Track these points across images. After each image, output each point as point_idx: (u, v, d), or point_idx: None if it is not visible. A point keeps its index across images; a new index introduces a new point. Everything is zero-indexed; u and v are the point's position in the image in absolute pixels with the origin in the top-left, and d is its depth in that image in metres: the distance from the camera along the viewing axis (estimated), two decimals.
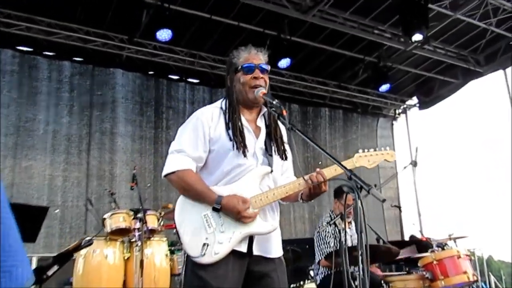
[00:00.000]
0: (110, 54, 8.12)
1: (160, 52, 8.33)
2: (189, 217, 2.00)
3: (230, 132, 2.11)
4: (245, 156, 2.09)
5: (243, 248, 2.00)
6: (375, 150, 2.22)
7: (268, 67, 2.24)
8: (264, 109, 2.24)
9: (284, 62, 8.41)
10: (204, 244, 1.93)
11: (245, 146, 2.09)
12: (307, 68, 9.64)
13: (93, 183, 7.58)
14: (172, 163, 2.08)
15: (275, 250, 2.11)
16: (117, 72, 8.33)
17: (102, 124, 7.95)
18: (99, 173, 7.67)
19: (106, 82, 8.22)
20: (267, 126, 2.23)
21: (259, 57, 2.24)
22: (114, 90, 8.25)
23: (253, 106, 2.21)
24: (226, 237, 1.96)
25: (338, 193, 4.43)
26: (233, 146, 2.05)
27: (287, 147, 2.20)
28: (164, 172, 2.09)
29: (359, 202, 1.64)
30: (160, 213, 4.95)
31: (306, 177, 2.05)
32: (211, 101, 10.57)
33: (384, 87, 9.53)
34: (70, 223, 7.28)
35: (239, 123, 2.15)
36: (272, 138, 2.19)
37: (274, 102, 2.04)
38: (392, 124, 11.60)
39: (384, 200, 1.65)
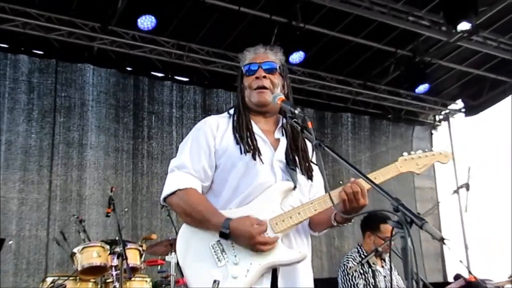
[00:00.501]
0: (78, 46, 8.20)
1: (140, 43, 8.44)
2: (195, 249, 1.99)
3: (237, 136, 2.21)
4: (259, 162, 2.12)
5: (266, 284, 1.95)
6: (424, 151, 2.25)
7: (277, 65, 2.32)
8: (283, 120, 2.34)
9: (296, 57, 8.51)
10: (214, 282, 1.86)
11: (258, 153, 2.15)
12: (324, 63, 9.71)
13: (56, 207, 7.58)
14: (172, 182, 2.14)
15: (307, 285, 2.07)
16: (87, 68, 8.43)
17: (68, 134, 8.01)
18: (64, 194, 7.69)
19: (73, 80, 8.30)
20: (288, 139, 2.29)
21: (267, 56, 2.34)
22: (83, 91, 8.35)
23: (266, 113, 2.33)
24: (241, 270, 1.92)
25: (372, 223, 4.24)
26: (241, 150, 2.13)
27: (315, 168, 2.21)
28: (163, 195, 2.15)
29: (409, 240, 1.55)
30: (142, 246, 5.01)
31: (337, 190, 2.05)
32: (204, 105, 10.52)
33: (422, 88, 9.63)
34: (27, 257, 7.21)
35: (249, 127, 2.23)
36: (295, 153, 2.25)
37: (296, 111, 2.05)
38: (431, 134, 11.64)
39: (442, 239, 1.56)
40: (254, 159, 2.13)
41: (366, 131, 10.94)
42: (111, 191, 4.85)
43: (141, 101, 8.80)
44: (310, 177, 2.25)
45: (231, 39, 8.83)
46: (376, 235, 4.19)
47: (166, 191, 2.13)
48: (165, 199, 2.15)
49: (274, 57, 2.34)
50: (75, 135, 8.08)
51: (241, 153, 2.15)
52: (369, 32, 8.93)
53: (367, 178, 1.88)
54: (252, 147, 2.16)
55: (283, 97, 2.21)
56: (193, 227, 2.06)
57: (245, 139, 2.18)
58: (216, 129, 2.22)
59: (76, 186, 7.83)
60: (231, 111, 2.33)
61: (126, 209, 7.63)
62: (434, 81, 10.31)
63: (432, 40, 9.10)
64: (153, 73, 9.06)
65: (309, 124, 1.98)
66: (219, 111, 9.26)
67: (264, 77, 2.26)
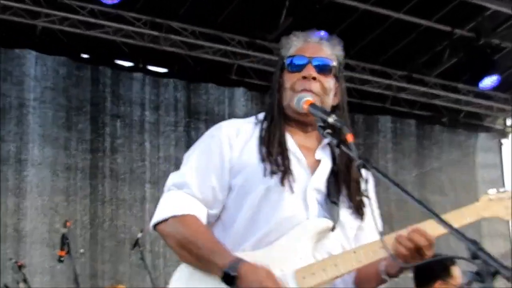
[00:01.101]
0: (16, 25, 8.19)
1: (101, 21, 8.47)
2: None
3: (264, 151, 2.24)
4: (288, 188, 2.19)
5: None
6: None
7: (332, 63, 2.38)
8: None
9: None
10: None
11: (290, 176, 2.21)
12: (353, 48, 9.77)
13: None
14: (166, 206, 2.23)
15: None
16: (27, 55, 8.41)
17: (0, 145, 7.96)
18: None
19: (7, 72, 8.27)
20: (334, 162, 2.34)
21: (321, 48, 2.41)
22: (21, 87, 8.32)
23: (308, 125, 2.36)
24: None
25: (442, 268, 4.22)
26: (265, 171, 2.22)
27: (370, 201, 2.20)
28: (153, 220, 2.24)
29: None
30: None
31: (391, 236, 2.09)
32: (188, 105, 10.76)
33: (488, 82, 9.56)
34: None
35: (283, 140, 2.28)
36: (342, 181, 2.29)
37: (329, 119, 2.11)
38: (501, 144, 11.68)
39: None
40: (282, 184, 2.16)
41: (411, 140, 10.91)
42: (65, 226, 4.80)
43: (102, 100, 8.78)
44: (360, 215, 2.28)
45: (225, 15, 8.85)
46: (448, 282, 4.16)
47: (158, 216, 2.22)
48: (155, 226, 2.23)
49: (330, 51, 2.41)
50: (10, 147, 8.04)
51: (264, 174, 2.18)
52: (415, 5, 8.91)
53: (441, 220, 1.81)
54: (282, 168, 2.19)
55: (311, 99, 2.27)
56: (192, 269, 2.14)
57: (274, 156, 2.21)
58: (235, 136, 2.30)
59: (13, 218, 7.79)
60: (261, 116, 2.38)
61: (82, 251, 7.59)
62: (505, 71, 10.28)
63: (502, 15, 9.09)
64: (118, 61, 9.07)
65: (349, 137, 2.01)
66: (208, 114, 9.46)
67: (314, 78, 2.33)
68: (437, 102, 10.94)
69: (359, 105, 10.59)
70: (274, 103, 2.37)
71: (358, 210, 2.27)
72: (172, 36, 8.89)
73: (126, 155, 8.76)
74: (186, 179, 2.24)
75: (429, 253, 2.07)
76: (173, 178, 2.30)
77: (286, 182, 2.18)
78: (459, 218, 2.24)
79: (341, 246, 2.22)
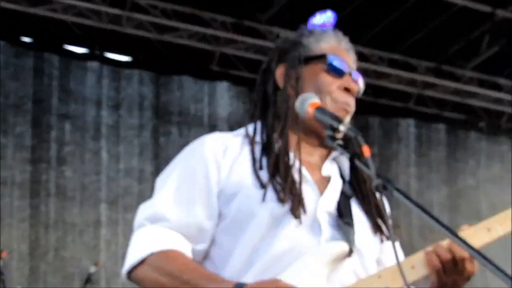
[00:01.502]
0: None
1: None
2: None
3: (263, 173, 2.31)
4: (296, 219, 2.25)
5: None
6: None
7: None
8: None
9: (320, 20, 8.71)
10: None
11: (302, 204, 2.31)
12: (368, 33, 9.81)
13: None
14: (140, 246, 2.30)
15: None
16: None
17: None
18: None
19: None
20: (343, 178, 2.48)
21: (351, 59, 2.58)
22: None
23: (312, 133, 2.44)
24: None
25: None
26: (264, 196, 2.28)
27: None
28: (126, 266, 2.27)
29: None
30: None
31: (417, 255, 2.20)
32: (156, 103, 10.90)
33: None
34: None
35: (296, 164, 2.37)
36: (360, 200, 2.44)
37: (340, 127, 2.20)
38: None
39: None
40: (296, 215, 2.26)
41: (440, 150, 11.04)
42: None
43: (47, 96, 8.85)
44: (380, 238, 2.40)
45: None
46: None
47: (131, 259, 2.28)
48: (129, 273, 2.27)
49: (355, 64, 2.63)
50: None
51: (264, 199, 2.26)
52: None
53: (478, 253, 1.86)
54: (290, 193, 2.28)
55: (317, 101, 2.37)
56: None
57: (277, 177, 2.30)
58: (222, 154, 2.39)
59: None
60: (250, 129, 2.46)
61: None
62: None
63: None
64: (68, 47, 9.19)
65: (365, 150, 2.08)
66: (182, 115, 9.52)
67: (353, 89, 2.50)
68: (473, 102, 11.00)
69: (374, 105, 10.64)
70: (281, 110, 2.47)
71: (378, 232, 2.40)
72: (137, 16, 8.92)
73: (76, 167, 8.83)
74: (163, 210, 2.32)
75: (471, 269, 2.18)
76: (146, 210, 2.35)
77: (298, 200, 2.28)
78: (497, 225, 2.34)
79: (362, 271, 2.32)
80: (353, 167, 2.46)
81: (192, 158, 2.40)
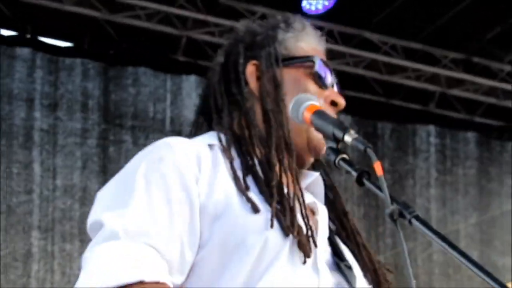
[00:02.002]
0: None
1: None
2: None
3: (252, 195, 2.31)
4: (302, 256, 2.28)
5: None
6: None
7: None
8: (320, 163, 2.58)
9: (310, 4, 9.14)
10: None
11: (312, 237, 2.35)
12: (376, 15, 9.90)
13: None
14: (122, 264, 2.19)
15: None
16: None
17: None
18: None
19: None
20: (329, 201, 2.57)
21: (329, 64, 2.67)
22: None
23: (296, 147, 2.48)
24: None
25: None
26: (265, 223, 2.30)
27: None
28: (95, 284, 2.19)
29: None
30: None
31: None
32: (106, 100, 10.66)
33: None
34: None
35: (297, 190, 2.39)
36: (343, 234, 2.51)
37: (346, 137, 2.25)
38: None
39: None
40: (305, 251, 2.29)
41: (469, 166, 11.14)
42: None
43: None
44: (378, 280, 2.47)
45: None
46: None
47: (108, 280, 2.16)
48: None
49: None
50: None
51: (266, 227, 2.29)
52: None
53: None
54: (300, 227, 2.31)
55: (317, 103, 2.46)
56: None
57: (281, 205, 2.31)
58: (196, 163, 2.40)
59: None
60: (213, 139, 2.49)
61: None
62: None
63: None
64: None
65: (378, 168, 2.15)
66: (139, 117, 9.58)
67: (336, 107, 2.59)
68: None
69: (385, 107, 10.80)
70: (279, 114, 2.49)
71: (377, 275, 2.47)
72: None
73: (1, 183, 8.78)
74: (144, 224, 2.28)
75: None
76: (119, 219, 2.28)
77: (306, 245, 2.31)
78: None
79: None
80: (327, 193, 2.56)
81: (161, 165, 2.38)
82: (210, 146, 2.45)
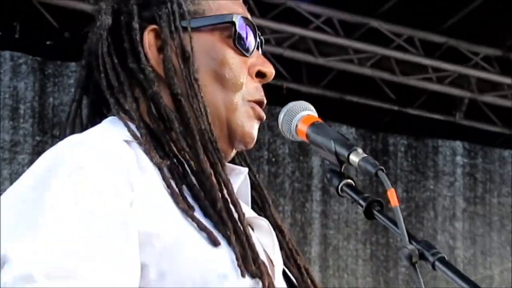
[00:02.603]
0: None
1: None
2: None
3: (205, 222, 2.33)
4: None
5: None
6: None
7: None
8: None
9: None
10: None
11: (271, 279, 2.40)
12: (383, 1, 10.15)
13: None
14: None
15: None
16: None
17: None
18: None
19: None
20: (258, 208, 2.69)
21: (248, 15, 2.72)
22: None
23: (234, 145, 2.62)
24: None
25: None
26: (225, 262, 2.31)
27: None
28: None
29: None
30: None
31: None
32: (42, 105, 10.69)
33: None
34: None
35: (238, 208, 2.43)
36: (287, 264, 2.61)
37: (352, 157, 2.36)
38: None
39: None
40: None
41: (506, 193, 11.28)
42: None
43: None
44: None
45: None
46: None
47: None
48: None
49: None
50: None
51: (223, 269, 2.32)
52: None
53: None
54: (261, 266, 2.36)
55: (312, 113, 2.56)
56: None
57: (241, 236, 2.37)
58: (126, 177, 2.33)
59: None
60: (124, 131, 2.48)
61: None
62: None
63: None
64: None
65: (392, 196, 2.22)
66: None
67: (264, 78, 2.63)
68: None
69: (399, 117, 10.97)
70: (194, 99, 2.50)
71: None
72: None
73: None
74: (69, 260, 2.15)
75: None
76: (34, 254, 2.12)
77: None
78: None
79: None
80: (253, 196, 2.65)
81: (82, 177, 2.25)
82: (127, 143, 2.40)
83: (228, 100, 2.55)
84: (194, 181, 2.40)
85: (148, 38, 2.51)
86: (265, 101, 2.60)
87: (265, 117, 2.61)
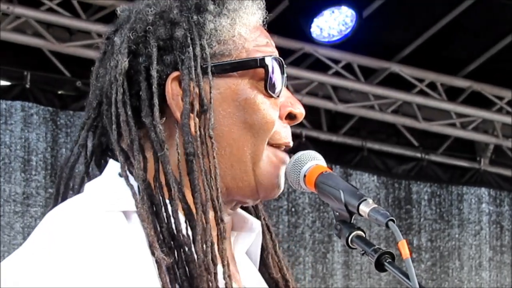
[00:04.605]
0: None
1: None
2: None
3: None
4: None
5: None
6: None
7: None
8: (250, 220, 2.62)
9: (330, 23, 9.42)
10: None
11: None
12: (405, 43, 10.00)
13: None
14: None
15: None
16: None
17: None
18: None
19: None
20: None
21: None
22: None
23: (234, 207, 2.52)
24: None
25: None
26: None
27: None
28: None
29: None
30: None
31: None
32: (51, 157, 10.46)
33: None
34: None
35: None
36: None
37: (362, 207, 2.28)
38: None
39: None
40: None
41: None
42: None
43: None
44: None
45: None
46: None
47: None
48: None
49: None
50: None
51: None
52: None
53: None
54: None
55: (322, 164, 2.50)
56: None
57: None
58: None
59: None
60: (125, 194, 2.39)
61: None
62: None
63: None
64: None
65: (403, 249, 2.14)
66: None
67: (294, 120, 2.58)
68: None
69: (422, 163, 10.94)
70: (205, 161, 2.42)
71: None
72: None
73: None
74: None
75: None
76: None
77: None
78: None
79: None
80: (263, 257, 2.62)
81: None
82: (126, 214, 2.34)
83: (255, 149, 2.46)
84: (185, 272, 2.30)
85: (172, 87, 2.41)
86: (291, 144, 2.53)
87: (288, 159, 2.51)
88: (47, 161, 9.62)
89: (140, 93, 2.39)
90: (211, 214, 2.37)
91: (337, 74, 10.61)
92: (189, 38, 2.43)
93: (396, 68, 10.48)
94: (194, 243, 2.31)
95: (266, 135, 2.44)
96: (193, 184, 2.36)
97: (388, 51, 10.52)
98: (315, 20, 9.51)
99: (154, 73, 2.39)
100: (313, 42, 9.83)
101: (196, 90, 2.39)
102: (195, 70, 2.41)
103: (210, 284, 2.29)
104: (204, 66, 2.42)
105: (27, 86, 9.56)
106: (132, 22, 2.46)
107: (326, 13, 9.58)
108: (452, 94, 10.66)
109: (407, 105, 10.72)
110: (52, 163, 9.63)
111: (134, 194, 2.33)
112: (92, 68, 2.49)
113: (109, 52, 2.48)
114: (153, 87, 2.38)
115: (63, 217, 2.26)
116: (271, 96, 2.45)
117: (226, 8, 2.47)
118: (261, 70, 2.45)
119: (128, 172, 2.37)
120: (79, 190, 2.47)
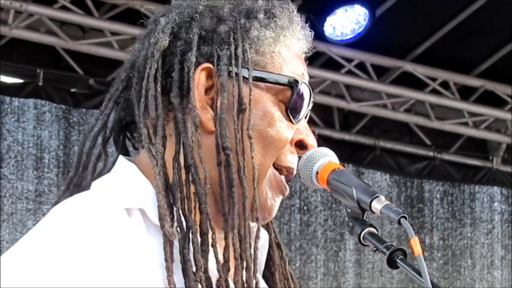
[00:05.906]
0: None
1: None
2: None
3: None
4: None
5: None
6: None
7: None
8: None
9: (344, 21, 9.40)
10: None
11: None
12: (418, 42, 9.99)
13: None
14: None
15: None
16: None
17: None
18: None
19: None
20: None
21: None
22: None
23: None
24: None
25: None
26: None
27: None
28: None
29: None
30: None
31: None
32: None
33: None
34: None
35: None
36: None
37: (375, 204, 2.27)
38: None
39: None
40: None
41: None
42: None
43: None
44: None
45: None
46: None
47: None
48: None
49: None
50: None
51: None
52: None
53: None
54: None
55: (334, 160, 2.49)
56: None
57: None
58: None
59: None
60: (136, 188, 2.42)
61: None
62: None
63: None
64: None
65: (415, 246, 2.14)
66: None
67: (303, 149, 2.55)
68: None
69: (435, 163, 10.95)
70: (241, 158, 2.42)
71: None
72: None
73: None
74: None
75: None
76: None
77: None
78: None
79: None
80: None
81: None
82: (128, 212, 2.33)
83: (263, 161, 2.44)
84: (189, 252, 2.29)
85: (200, 76, 2.40)
86: (295, 172, 2.50)
87: (287, 193, 2.53)
88: (60, 159, 9.63)
89: (173, 74, 2.41)
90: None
91: (350, 72, 10.64)
92: (232, 37, 2.44)
93: (409, 67, 10.52)
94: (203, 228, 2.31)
95: (276, 152, 2.44)
96: (228, 179, 2.36)
97: (401, 50, 10.54)
98: (328, 18, 9.57)
99: (193, 58, 2.40)
100: (326, 41, 9.82)
101: (236, 88, 2.40)
102: (236, 68, 2.42)
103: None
104: (245, 67, 2.43)
105: (40, 84, 9.57)
106: (182, 8, 2.48)
107: (339, 11, 9.65)
108: (465, 93, 10.67)
109: (420, 104, 10.73)
110: (64, 161, 9.63)
111: (154, 165, 2.33)
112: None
113: (153, 31, 2.49)
114: (187, 70, 2.39)
115: (67, 215, 2.26)
116: (290, 120, 2.46)
117: (275, 22, 2.49)
118: (288, 91, 2.47)
119: (150, 146, 2.35)
120: (95, 165, 2.49)
